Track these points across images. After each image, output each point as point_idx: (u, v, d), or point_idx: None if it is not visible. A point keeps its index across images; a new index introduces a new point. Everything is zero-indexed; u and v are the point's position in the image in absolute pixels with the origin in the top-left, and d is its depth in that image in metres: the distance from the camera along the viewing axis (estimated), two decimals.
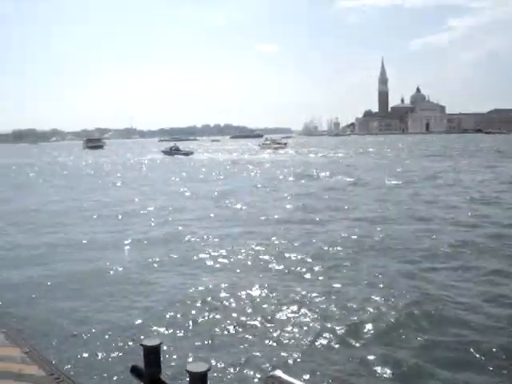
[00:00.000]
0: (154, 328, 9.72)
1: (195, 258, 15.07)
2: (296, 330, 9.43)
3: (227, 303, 11.05)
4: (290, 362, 8.14)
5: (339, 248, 15.60)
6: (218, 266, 14.14)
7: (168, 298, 11.39)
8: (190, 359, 8.03)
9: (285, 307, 10.61)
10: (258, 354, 8.48)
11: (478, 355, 8.17)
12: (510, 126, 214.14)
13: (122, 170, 60.70)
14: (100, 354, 8.58)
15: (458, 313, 10.04)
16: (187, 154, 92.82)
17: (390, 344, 8.77)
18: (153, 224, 21.28)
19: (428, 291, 11.35)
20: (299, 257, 14.61)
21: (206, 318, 10.23)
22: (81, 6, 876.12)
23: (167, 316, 10.38)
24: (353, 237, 17.05)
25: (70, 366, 7.45)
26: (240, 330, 9.58)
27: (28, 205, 28.35)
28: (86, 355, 8.58)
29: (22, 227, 21.17)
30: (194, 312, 10.55)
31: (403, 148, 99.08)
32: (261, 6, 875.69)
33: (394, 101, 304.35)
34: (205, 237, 17.98)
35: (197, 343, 8.95)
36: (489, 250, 14.93)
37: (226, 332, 9.48)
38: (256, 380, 7.46)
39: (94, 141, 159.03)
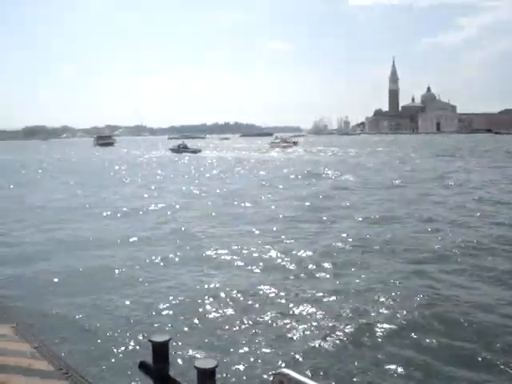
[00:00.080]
0: (163, 323, 9.76)
1: (204, 255, 15.09)
2: (305, 327, 9.41)
3: (236, 300, 11.07)
4: (298, 359, 8.14)
5: (347, 247, 15.59)
6: (226, 263, 14.16)
7: (177, 294, 11.40)
8: (198, 355, 8.07)
9: (294, 304, 10.60)
10: (266, 350, 8.50)
11: (490, 356, 8.14)
12: None
13: (131, 167, 60.82)
14: (109, 349, 8.62)
15: (469, 313, 10.00)
16: (195, 151, 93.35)
17: (400, 344, 8.73)
18: (160, 221, 21.34)
19: (439, 291, 11.29)
20: (307, 255, 14.59)
21: (215, 315, 10.25)
22: (93, 5, 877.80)
23: (176, 312, 10.41)
24: (361, 237, 17.00)
25: (78, 361, 7.47)
26: (248, 326, 9.58)
27: (35, 201, 28.55)
28: (94, 350, 8.63)
29: (29, 223, 21.32)
30: (202, 308, 10.57)
31: (413, 147, 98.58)
32: (273, 5, 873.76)
33: (404, 100, 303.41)
34: (213, 234, 18.01)
35: (205, 339, 8.97)
36: (499, 251, 14.85)
37: (234, 328, 9.48)
38: (264, 377, 7.46)
39: (104, 138, 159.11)
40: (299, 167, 51.21)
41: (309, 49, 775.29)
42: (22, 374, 5.34)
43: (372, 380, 7.53)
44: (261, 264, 13.92)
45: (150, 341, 4.21)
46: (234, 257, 14.76)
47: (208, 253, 15.29)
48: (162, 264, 14.35)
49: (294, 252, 15.00)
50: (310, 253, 14.85)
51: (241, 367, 7.90)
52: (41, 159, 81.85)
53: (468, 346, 8.56)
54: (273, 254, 14.98)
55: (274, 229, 18.85)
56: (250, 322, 9.79)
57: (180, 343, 8.58)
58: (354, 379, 7.56)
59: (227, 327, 9.59)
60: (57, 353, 6.33)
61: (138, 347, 8.40)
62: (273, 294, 11.36)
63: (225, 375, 7.43)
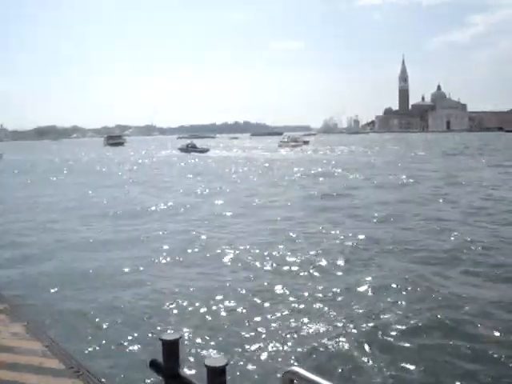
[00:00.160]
0: (173, 322, 9.80)
1: (214, 254, 15.12)
2: (316, 326, 9.41)
3: (247, 297, 11.10)
4: (309, 357, 8.15)
5: (357, 247, 15.57)
6: (236, 261, 14.17)
7: (187, 292, 11.43)
8: (209, 354, 8.09)
9: (306, 302, 10.63)
10: (276, 348, 8.51)
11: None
12: None
13: (141, 167, 61.02)
14: (119, 347, 8.68)
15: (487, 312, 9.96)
16: (203, 151, 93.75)
17: (413, 344, 8.69)
18: (170, 221, 21.40)
19: (451, 292, 11.22)
20: (317, 254, 14.59)
21: (225, 313, 10.27)
22: (93, 6, 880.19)
23: (186, 310, 10.44)
24: (370, 236, 16.95)
25: (89, 359, 7.50)
26: (259, 324, 9.59)
27: (48, 201, 28.72)
28: (105, 348, 8.68)
29: (39, 222, 21.45)
30: (213, 306, 10.59)
31: (423, 146, 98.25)
32: (285, 3, 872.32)
33: (414, 98, 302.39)
34: (216, 236, 18.05)
35: (215, 337, 8.99)
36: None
37: (244, 326, 9.49)
38: (274, 375, 7.46)
39: (114, 138, 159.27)
40: (308, 166, 51.17)
41: (318, 48, 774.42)
42: (34, 372, 5.36)
43: (383, 380, 7.50)
44: (271, 262, 13.94)
45: (160, 339, 4.20)
46: (244, 254, 14.80)
47: (218, 252, 15.33)
48: (171, 263, 14.41)
49: (304, 251, 15.02)
50: (319, 251, 14.85)
51: (251, 365, 7.92)
52: (51, 159, 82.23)
53: (485, 346, 8.50)
54: (283, 252, 14.99)
55: (283, 227, 18.87)
56: (261, 320, 9.79)
57: (190, 341, 8.62)
58: (365, 379, 7.55)
59: (237, 325, 9.60)
60: (68, 351, 6.37)
61: (148, 345, 8.42)
62: (283, 292, 11.37)
63: (235, 373, 7.45)
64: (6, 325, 6.86)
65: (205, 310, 10.42)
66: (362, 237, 16.74)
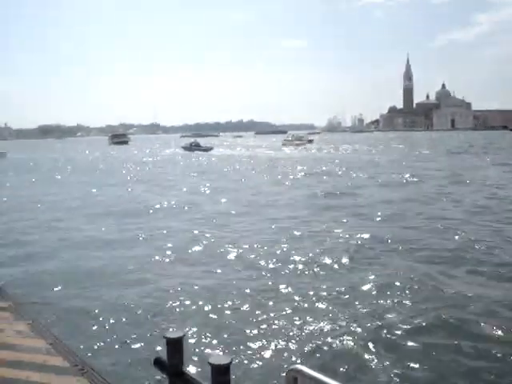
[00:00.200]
0: (177, 320, 9.81)
1: (218, 252, 15.13)
2: (320, 324, 9.39)
3: (251, 296, 11.10)
4: (313, 355, 8.14)
5: (361, 245, 15.55)
6: (240, 261, 14.15)
7: (191, 291, 11.44)
8: (213, 352, 8.10)
9: (310, 301, 10.62)
10: (280, 347, 8.51)
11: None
12: None
13: (145, 165, 61.10)
14: (124, 345, 8.69)
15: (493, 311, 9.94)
16: (206, 149, 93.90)
17: (417, 343, 8.67)
18: (174, 219, 21.43)
19: (455, 291, 11.18)
20: (321, 253, 14.58)
21: (229, 311, 10.27)
22: (93, 6, 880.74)
23: (191, 308, 10.45)
24: (374, 234, 16.94)
25: (93, 357, 7.52)
26: (263, 322, 9.58)
27: (54, 200, 28.79)
28: (109, 346, 8.69)
29: (38, 221, 21.51)
30: (217, 304, 10.59)
31: (428, 144, 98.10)
32: (285, 2, 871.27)
33: (419, 97, 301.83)
34: (225, 233, 18.07)
35: (219, 335, 8.99)
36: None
37: (248, 324, 9.49)
38: (278, 373, 7.45)
39: (119, 136, 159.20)
40: (312, 165, 51.16)
41: (320, 46, 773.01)
42: (37, 370, 5.38)
43: (388, 379, 7.49)
44: (275, 260, 13.94)
45: (164, 337, 4.20)
46: (248, 253, 14.82)
47: (221, 250, 15.35)
48: (174, 261, 14.43)
49: (308, 249, 15.00)
50: (323, 250, 14.84)
51: (255, 363, 7.92)
52: (55, 158, 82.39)
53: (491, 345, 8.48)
54: (287, 250, 15.00)
55: (287, 226, 18.88)
56: (265, 318, 9.79)
57: (195, 339, 8.63)
58: (369, 377, 7.54)
59: (241, 323, 9.60)
60: (72, 349, 6.38)
61: (152, 343, 8.43)
62: (288, 291, 11.37)
63: (239, 371, 7.44)
64: (10, 323, 6.89)
65: (209, 308, 10.42)
66: (366, 235, 16.70)
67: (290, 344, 8.61)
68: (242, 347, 8.46)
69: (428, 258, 13.94)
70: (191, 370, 4.52)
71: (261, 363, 7.93)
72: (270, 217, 21.22)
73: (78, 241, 17.26)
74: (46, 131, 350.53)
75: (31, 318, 7.17)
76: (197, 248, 15.75)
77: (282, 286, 11.64)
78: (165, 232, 18.42)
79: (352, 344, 8.55)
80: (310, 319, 9.66)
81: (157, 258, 14.70)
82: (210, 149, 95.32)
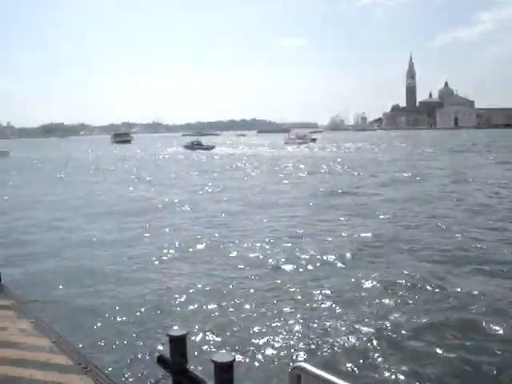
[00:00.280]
0: (181, 317, 9.84)
1: (221, 251, 15.17)
2: (324, 323, 9.41)
3: (254, 293, 11.13)
4: (316, 354, 8.15)
5: (363, 245, 15.55)
6: (242, 259, 14.16)
7: (194, 289, 11.45)
8: (216, 349, 8.11)
9: (314, 299, 10.64)
10: (283, 345, 8.52)
11: None
12: None
13: (147, 164, 61.15)
14: (127, 343, 8.71)
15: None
16: (208, 148, 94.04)
17: (423, 343, 8.67)
18: (176, 218, 21.46)
19: (459, 289, 11.15)
20: (323, 252, 14.58)
21: (232, 308, 10.28)
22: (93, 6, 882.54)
23: (194, 306, 10.46)
24: (377, 234, 16.97)
25: (97, 355, 7.52)
26: (266, 320, 9.60)
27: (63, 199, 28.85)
28: (113, 344, 8.70)
29: (40, 220, 21.54)
30: (220, 302, 10.61)
31: (430, 143, 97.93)
32: (284, 2, 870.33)
33: (421, 95, 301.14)
34: (228, 232, 18.10)
35: (222, 333, 9.00)
36: None
37: (251, 323, 9.50)
38: (281, 371, 7.45)
39: (121, 135, 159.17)
40: (314, 164, 51.16)
41: (320, 45, 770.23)
42: (41, 368, 5.38)
43: (391, 377, 7.48)
44: (277, 258, 13.96)
45: (167, 335, 4.22)
46: (251, 251, 14.86)
47: (224, 248, 15.38)
48: (176, 259, 14.47)
49: (310, 248, 15.02)
50: (325, 249, 14.85)
51: (258, 361, 7.94)
52: (58, 157, 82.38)
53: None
54: (289, 249, 15.02)
55: (289, 224, 18.90)
56: (268, 316, 9.81)
57: (198, 337, 8.63)
58: (373, 376, 7.53)
59: (244, 321, 9.62)
60: (76, 347, 6.39)
61: (155, 341, 8.45)
62: (291, 288, 11.38)
63: (242, 369, 7.45)
64: (14, 321, 6.90)
65: (212, 306, 10.43)
66: (368, 234, 16.72)
67: (293, 342, 8.62)
68: (245, 345, 8.47)
69: (430, 257, 13.93)
70: (194, 367, 4.52)
71: (264, 361, 7.94)
72: (272, 215, 21.25)
73: (80, 240, 17.29)
74: (48, 130, 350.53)
75: (34, 317, 7.18)
76: (199, 246, 15.78)
77: (285, 284, 11.67)
78: (167, 230, 18.46)
79: (356, 342, 8.55)
80: (314, 317, 9.68)
81: (159, 256, 14.72)
82: (212, 147, 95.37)
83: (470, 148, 74.84)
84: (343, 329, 9.12)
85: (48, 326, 6.95)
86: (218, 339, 8.75)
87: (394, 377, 7.44)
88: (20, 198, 29.67)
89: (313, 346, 8.43)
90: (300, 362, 3.72)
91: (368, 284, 11.56)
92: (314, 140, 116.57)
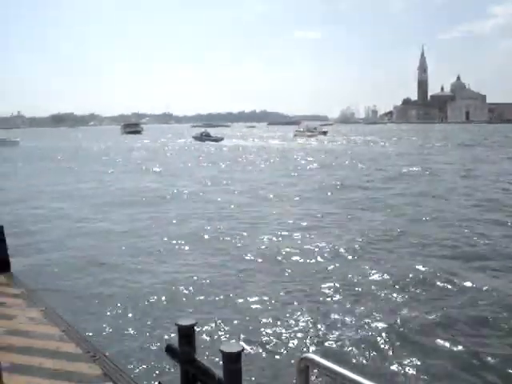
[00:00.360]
0: (189, 307, 9.87)
1: (229, 242, 15.21)
2: (334, 315, 9.42)
3: (263, 284, 11.17)
4: (324, 345, 8.17)
5: (373, 239, 15.53)
6: (251, 251, 14.16)
7: (203, 278, 11.50)
8: (224, 339, 8.16)
9: (322, 291, 10.66)
10: (292, 335, 8.54)
11: None
12: None
13: (157, 155, 61.24)
14: (136, 332, 8.76)
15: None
16: (217, 140, 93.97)
17: (434, 338, 8.66)
18: (185, 209, 21.52)
19: (471, 287, 11.07)
20: (333, 245, 14.58)
21: (241, 299, 10.32)
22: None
23: (202, 295, 10.51)
24: (387, 229, 16.93)
25: (105, 344, 7.56)
26: (275, 311, 9.63)
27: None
28: (122, 333, 8.76)
29: (49, 210, 21.63)
30: (228, 292, 10.65)
31: (442, 137, 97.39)
32: None
33: (433, 89, 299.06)
34: (236, 224, 18.13)
35: (231, 323, 9.03)
36: None
37: (260, 313, 9.53)
38: (289, 361, 7.47)
39: (132, 126, 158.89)
40: (323, 157, 51.04)
41: (335, 37, 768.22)
42: (50, 356, 5.41)
43: (398, 371, 7.48)
44: (286, 250, 13.96)
45: (176, 324, 4.23)
46: (260, 243, 14.88)
47: (232, 240, 15.41)
48: (186, 249, 14.50)
49: (319, 241, 15.02)
50: (332, 243, 14.84)
51: (266, 351, 7.96)
52: (67, 146, 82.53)
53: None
54: (298, 241, 15.04)
55: (297, 217, 18.88)
56: (277, 307, 9.83)
57: (206, 327, 8.66)
58: (380, 369, 7.53)
59: (253, 312, 9.64)
60: (85, 336, 6.42)
61: (164, 330, 8.49)
62: (300, 280, 11.41)
63: (250, 359, 7.47)
64: (23, 309, 6.93)
65: (220, 296, 10.47)
66: (377, 228, 16.72)
67: (301, 333, 8.64)
68: (253, 335, 8.49)
69: (439, 252, 13.90)
70: (202, 357, 4.53)
71: (272, 351, 7.96)
72: (280, 208, 21.26)
73: (89, 230, 17.39)
74: (58, 120, 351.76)
75: (44, 305, 7.21)
76: (207, 237, 15.83)
77: (293, 275, 11.68)
78: (174, 222, 18.51)
79: (364, 334, 8.56)
80: (322, 309, 9.71)
81: (167, 246, 14.79)
82: (221, 139, 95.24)
83: (480, 142, 74.36)
84: (351, 321, 9.12)
85: (57, 314, 6.98)
86: (227, 329, 8.78)
87: (402, 370, 7.43)
88: (29, 187, 29.80)
89: (321, 338, 8.44)
90: (308, 353, 3.73)
91: (377, 277, 11.55)
92: (324, 133, 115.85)
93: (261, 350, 7.98)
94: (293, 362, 7.25)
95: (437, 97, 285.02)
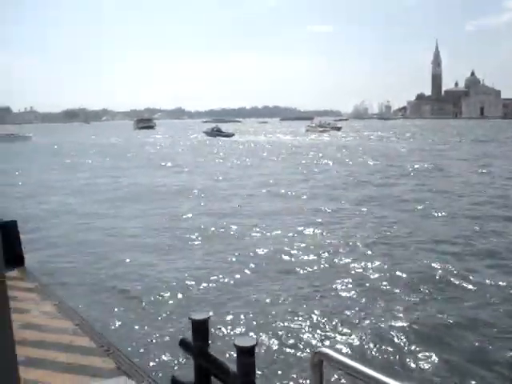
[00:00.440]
0: (203, 301, 9.89)
1: (240, 238, 15.23)
2: (348, 310, 9.40)
3: (277, 278, 11.21)
4: (338, 340, 8.15)
5: (386, 237, 15.47)
6: (262, 246, 14.14)
7: (218, 272, 11.53)
8: (238, 333, 8.17)
9: (337, 286, 10.65)
10: (306, 329, 8.54)
11: None
12: None
13: (170, 150, 61.34)
14: (150, 326, 8.78)
15: None
16: (228, 135, 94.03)
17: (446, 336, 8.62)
18: (196, 204, 21.56)
19: (485, 285, 10.97)
20: (346, 240, 14.56)
21: (255, 293, 10.32)
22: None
23: (216, 289, 10.54)
24: (399, 226, 16.87)
25: (119, 337, 7.59)
26: (289, 305, 9.63)
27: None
28: (136, 327, 8.78)
29: (61, 205, 21.73)
30: (242, 286, 10.67)
31: (456, 133, 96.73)
32: None
33: (447, 84, 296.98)
34: (247, 220, 18.15)
35: (245, 317, 9.04)
36: None
37: (274, 307, 9.53)
38: (303, 355, 7.47)
39: (144, 121, 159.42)
40: (335, 153, 50.93)
41: (348, 32, 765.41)
42: (64, 350, 5.44)
43: (408, 367, 7.44)
44: (299, 246, 13.95)
45: (189, 318, 4.23)
46: (272, 238, 14.89)
47: (243, 236, 15.44)
48: (199, 244, 14.54)
49: (332, 237, 15.02)
50: (347, 239, 14.82)
51: (280, 345, 7.96)
52: (80, 142, 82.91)
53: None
54: (311, 237, 15.04)
55: (308, 214, 18.87)
56: (291, 302, 9.82)
57: (220, 321, 8.67)
58: (394, 364, 7.50)
59: (267, 304, 9.66)
60: (99, 330, 6.45)
61: (178, 324, 8.52)
62: (314, 275, 11.40)
63: (264, 353, 7.48)
64: (37, 303, 6.98)
65: (234, 290, 10.48)
66: (388, 225, 16.66)
67: (316, 327, 8.63)
68: (267, 329, 8.49)
69: (452, 249, 13.79)
70: (216, 351, 4.53)
71: (286, 345, 7.96)
72: (293, 203, 21.25)
73: (103, 224, 17.44)
74: (71, 115, 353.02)
75: (57, 299, 7.26)
76: (220, 232, 15.84)
77: (306, 271, 11.67)
78: (187, 217, 18.55)
79: (378, 330, 8.53)
80: (336, 305, 9.68)
81: (180, 241, 14.82)
82: (232, 135, 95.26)
83: (494, 138, 73.78)
84: (365, 317, 9.09)
85: (71, 308, 7.02)
86: (240, 323, 8.79)
87: (416, 366, 7.40)
88: (42, 182, 30.00)
89: (335, 333, 8.42)
90: (322, 347, 3.72)
91: (391, 273, 11.49)
92: (338, 129, 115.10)
93: (275, 344, 7.98)
94: (305, 355, 7.26)
95: (451, 92, 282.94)
